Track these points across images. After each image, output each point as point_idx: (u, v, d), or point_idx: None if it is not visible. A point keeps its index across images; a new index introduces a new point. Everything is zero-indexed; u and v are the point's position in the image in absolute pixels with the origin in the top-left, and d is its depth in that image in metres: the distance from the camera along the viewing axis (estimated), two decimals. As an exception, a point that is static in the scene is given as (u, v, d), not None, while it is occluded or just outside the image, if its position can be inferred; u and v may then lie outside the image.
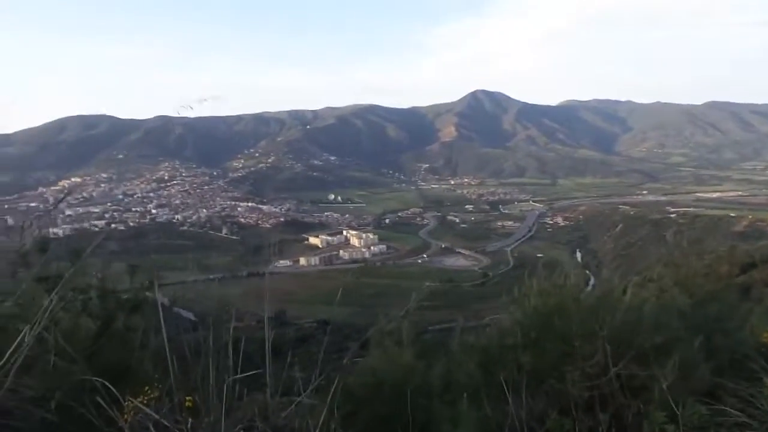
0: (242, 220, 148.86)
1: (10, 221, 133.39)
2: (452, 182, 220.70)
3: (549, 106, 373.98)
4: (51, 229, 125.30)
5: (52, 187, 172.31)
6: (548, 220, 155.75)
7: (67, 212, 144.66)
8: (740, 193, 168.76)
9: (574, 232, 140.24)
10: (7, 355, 2.29)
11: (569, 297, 3.86)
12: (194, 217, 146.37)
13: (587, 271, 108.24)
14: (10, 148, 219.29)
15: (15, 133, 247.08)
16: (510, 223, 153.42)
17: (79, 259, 3.40)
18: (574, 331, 3.51)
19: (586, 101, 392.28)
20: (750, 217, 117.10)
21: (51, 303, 2.67)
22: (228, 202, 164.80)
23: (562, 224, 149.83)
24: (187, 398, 2.38)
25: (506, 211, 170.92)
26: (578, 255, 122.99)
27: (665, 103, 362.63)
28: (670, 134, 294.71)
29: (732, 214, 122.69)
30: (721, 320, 4.33)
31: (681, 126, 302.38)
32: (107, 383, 2.35)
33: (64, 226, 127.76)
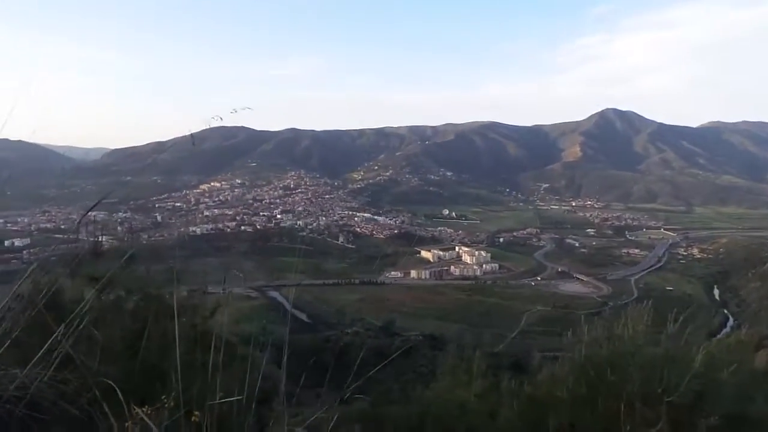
0: (358, 229, 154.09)
1: (159, 218, 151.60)
2: (573, 204, 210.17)
3: (689, 128, 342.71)
4: (191, 228, 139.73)
5: (195, 190, 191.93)
6: (681, 251, 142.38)
7: (206, 213, 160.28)
8: None
9: (712, 266, 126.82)
10: (42, 350, 2.29)
11: (627, 349, 3.36)
12: (314, 224, 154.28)
13: (725, 311, 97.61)
14: (164, 153, 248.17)
15: (168, 140, 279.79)
16: (636, 250, 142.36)
17: (130, 261, 3.46)
18: (633, 391, 3.07)
19: (733, 123, 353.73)
20: None
21: (88, 301, 2.72)
22: (346, 212, 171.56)
23: (698, 256, 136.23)
24: (195, 413, 2.31)
25: (633, 238, 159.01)
26: (716, 292, 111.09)
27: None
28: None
29: None
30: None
31: None
32: (117, 388, 2.29)
33: (203, 225, 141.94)
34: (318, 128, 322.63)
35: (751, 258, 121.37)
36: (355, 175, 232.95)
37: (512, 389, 3.93)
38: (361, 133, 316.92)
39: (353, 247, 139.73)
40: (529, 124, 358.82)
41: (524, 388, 3.88)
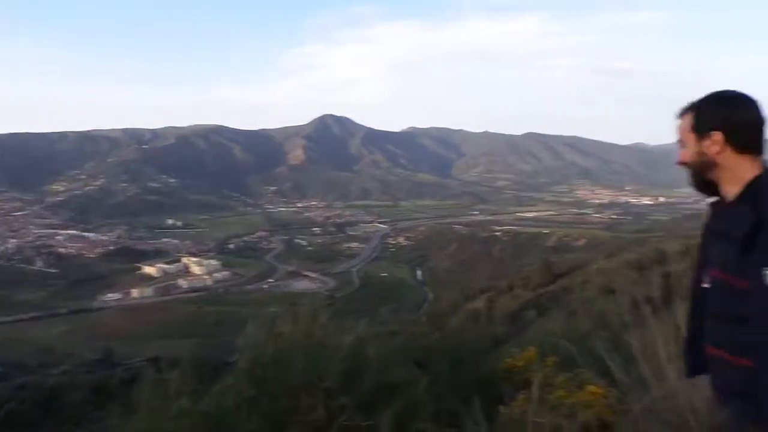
0: (62, 250, 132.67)
1: None
2: (299, 205, 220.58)
3: (392, 132, 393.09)
4: None
5: None
6: (391, 241, 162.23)
7: None
8: (551, 212, 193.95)
9: (415, 251, 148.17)
10: None
11: (288, 345, 3.52)
12: (1, 248, 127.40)
13: (426, 289, 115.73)
14: None
15: None
16: (356, 244, 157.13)
17: None
18: (296, 385, 3.24)
19: (425, 128, 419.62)
20: (558, 233, 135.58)
21: None
22: (44, 231, 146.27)
23: (404, 244, 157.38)
24: None
25: (352, 233, 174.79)
26: (419, 273, 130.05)
27: (492, 132, 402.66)
28: (496, 161, 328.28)
29: (545, 231, 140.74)
30: (468, 353, 4.39)
31: (505, 154, 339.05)
32: None
33: None
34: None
35: (441, 242, 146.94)
36: (56, 187, 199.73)
37: (189, 406, 3.51)
38: (61, 135, 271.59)
39: (56, 271, 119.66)
40: (255, 128, 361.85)
41: (200, 403, 3.57)
